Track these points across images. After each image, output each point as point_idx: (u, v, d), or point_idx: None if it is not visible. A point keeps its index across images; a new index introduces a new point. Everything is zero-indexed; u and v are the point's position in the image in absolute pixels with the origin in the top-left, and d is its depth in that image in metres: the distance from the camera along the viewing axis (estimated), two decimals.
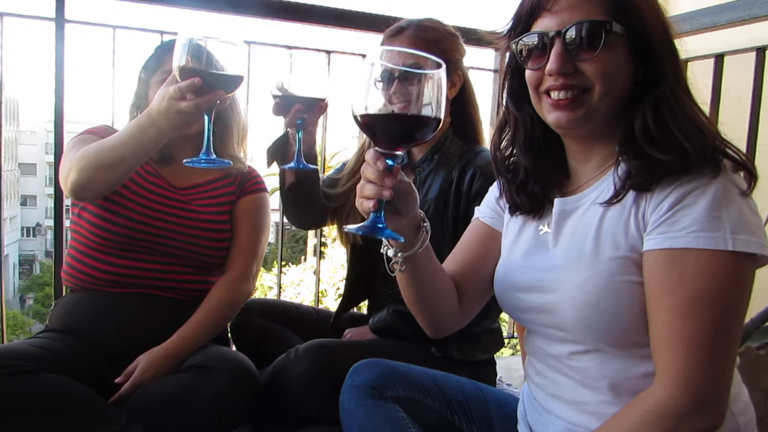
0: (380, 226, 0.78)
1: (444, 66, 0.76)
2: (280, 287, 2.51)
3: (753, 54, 1.75)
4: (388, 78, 1.50)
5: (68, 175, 1.29)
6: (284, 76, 1.16)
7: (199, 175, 1.51)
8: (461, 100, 1.49)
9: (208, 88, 1.03)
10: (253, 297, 1.60)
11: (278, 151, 1.35)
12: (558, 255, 0.89)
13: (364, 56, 2.11)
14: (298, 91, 1.16)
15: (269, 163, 1.37)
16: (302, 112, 1.16)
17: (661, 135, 0.80)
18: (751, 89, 1.75)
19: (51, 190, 1.90)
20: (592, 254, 0.82)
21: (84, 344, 1.33)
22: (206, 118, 1.06)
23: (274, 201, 1.67)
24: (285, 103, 1.16)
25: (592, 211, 0.85)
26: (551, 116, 0.86)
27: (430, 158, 1.47)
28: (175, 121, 1.12)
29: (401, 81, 1.51)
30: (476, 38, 1.51)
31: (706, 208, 0.73)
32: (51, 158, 1.82)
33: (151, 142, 1.21)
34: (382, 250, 0.93)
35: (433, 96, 0.75)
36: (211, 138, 1.07)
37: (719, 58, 1.84)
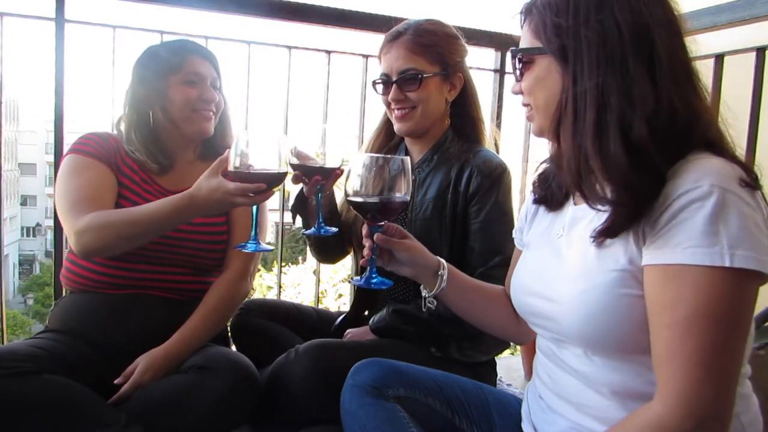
0: (372, 278, 1.04)
1: (408, 158, 1.01)
2: (280, 287, 2.51)
3: (753, 54, 1.75)
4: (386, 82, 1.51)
5: (82, 235, 1.27)
6: (302, 148, 1.19)
7: (195, 179, 1.52)
8: (462, 101, 1.49)
9: (268, 189, 1.12)
10: (253, 297, 1.60)
11: (300, 207, 1.42)
12: (564, 264, 0.89)
13: (364, 56, 2.13)
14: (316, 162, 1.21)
15: (294, 218, 1.44)
16: (321, 181, 1.20)
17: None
18: (751, 89, 1.75)
19: (51, 190, 1.90)
20: (593, 266, 0.82)
21: (84, 345, 1.33)
22: (254, 207, 1.17)
23: (273, 201, 1.68)
24: (305, 174, 1.20)
25: (596, 222, 0.84)
26: None
27: (430, 158, 1.47)
28: (225, 209, 1.21)
29: (398, 86, 1.52)
30: (477, 38, 1.51)
31: (704, 222, 0.71)
32: (51, 158, 1.81)
33: (187, 220, 1.27)
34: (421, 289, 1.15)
35: (401, 185, 1.00)
36: (257, 224, 1.18)
37: (719, 58, 1.84)
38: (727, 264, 0.69)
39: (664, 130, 0.76)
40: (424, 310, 1.14)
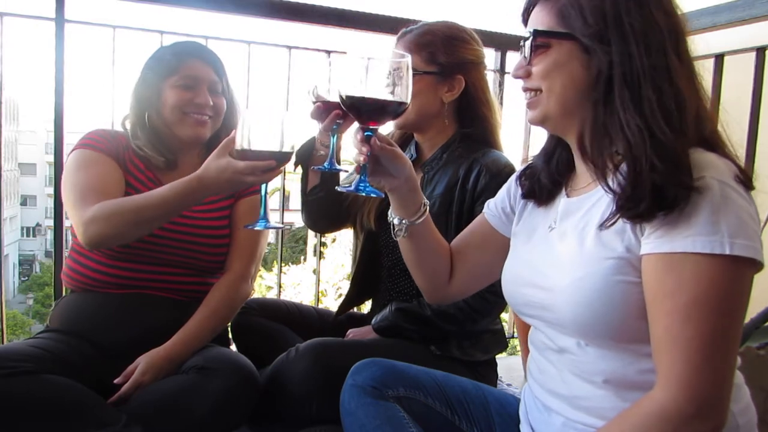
0: (361, 185, 0.98)
1: (408, 56, 0.94)
2: (280, 287, 2.51)
3: (753, 54, 1.75)
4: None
5: (90, 225, 1.25)
6: (322, 84, 1.18)
7: None
8: (468, 105, 1.48)
9: (277, 167, 1.13)
10: (253, 297, 1.60)
11: (305, 155, 1.40)
12: (558, 255, 0.90)
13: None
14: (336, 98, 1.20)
15: (296, 166, 1.41)
16: (339, 117, 1.19)
17: (602, 141, 0.83)
18: (751, 89, 1.75)
19: (51, 190, 1.90)
20: (589, 254, 0.83)
21: (84, 344, 1.33)
22: (263, 186, 1.18)
23: (274, 202, 1.68)
24: (325, 108, 1.19)
25: (593, 213, 0.86)
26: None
27: (439, 157, 1.48)
28: (234, 189, 1.20)
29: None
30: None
31: (705, 212, 0.73)
32: (51, 158, 1.82)
33: (196, 202, 1.26)
34: (389, 219, 1.10)
35: (401, 83, 0.94)
36: (268, 203, 1.19)
37: (719, 58, 1.84)
38: (727, 252, 0.71)
39: (680, 124, 0.79)
40: (396, 238, 1.10)
